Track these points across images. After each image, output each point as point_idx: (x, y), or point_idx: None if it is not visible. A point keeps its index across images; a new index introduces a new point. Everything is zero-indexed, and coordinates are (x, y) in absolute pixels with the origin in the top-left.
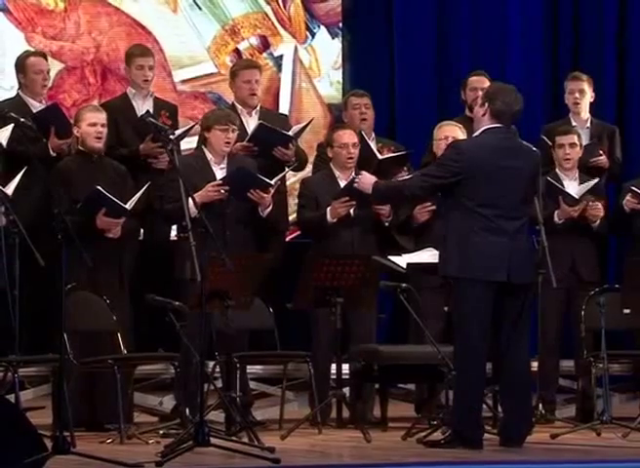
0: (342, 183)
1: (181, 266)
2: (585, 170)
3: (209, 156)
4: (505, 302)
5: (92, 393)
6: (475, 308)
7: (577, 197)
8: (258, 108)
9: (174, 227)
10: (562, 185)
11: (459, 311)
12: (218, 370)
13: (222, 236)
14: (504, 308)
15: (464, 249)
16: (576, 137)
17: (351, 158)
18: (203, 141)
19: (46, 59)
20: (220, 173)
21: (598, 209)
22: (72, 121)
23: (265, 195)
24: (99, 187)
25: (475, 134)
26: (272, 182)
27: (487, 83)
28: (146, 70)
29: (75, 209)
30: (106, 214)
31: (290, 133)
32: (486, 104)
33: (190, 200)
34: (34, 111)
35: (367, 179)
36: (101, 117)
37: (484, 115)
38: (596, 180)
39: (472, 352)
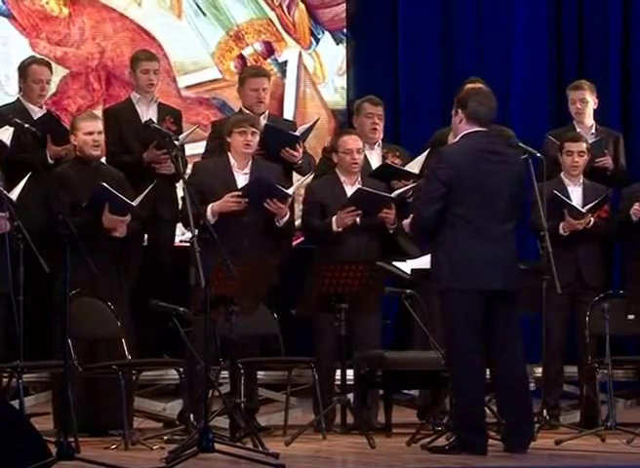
0: (348, 188)
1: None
2: (590, 170)
3: (232, 161)
4: (495, 309)
5: (96, 399)
6: (469, 317)
7: (583, 211)
8: (266, 114)
9: (178, 233)
10: (567, 191)
11: (452, 322)
12: (222, 375)
13: (239, 244)
14: (495, 315)
15: (453, 258)
16: (584, 145)
17: (356, 163)
18: (227, 147)
19: (49, 68)
20: (242, 178)
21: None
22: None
23: (283, 205)
24: (104, 184)
25: (454, 140)
26: (290, 192)
27: None
28: (151, 74)
29: (79, 210)
30: (112, 212)
31: (297, 133)
32: (459, 111)
33: (209, 207)
34: (34, 117)
35: None
36: (97, 125)
37: (460, 122)
38: (605, 195)
39: (467, 360)
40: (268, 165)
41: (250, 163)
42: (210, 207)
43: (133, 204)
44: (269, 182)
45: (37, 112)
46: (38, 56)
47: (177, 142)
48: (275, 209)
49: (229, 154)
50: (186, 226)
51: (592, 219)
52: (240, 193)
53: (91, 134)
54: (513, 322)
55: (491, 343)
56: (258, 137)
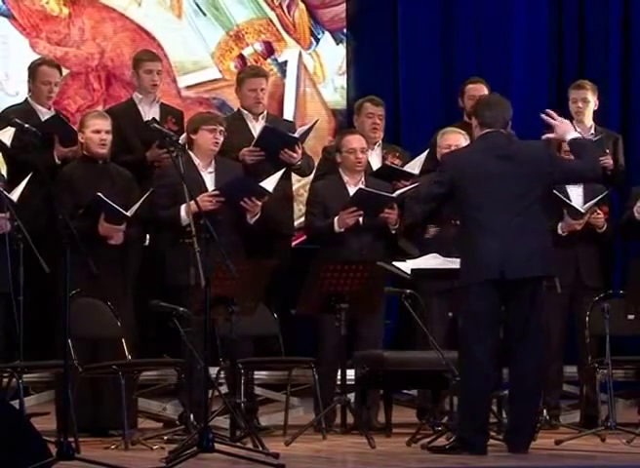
0: (351, 188)
1: (176, 271)
2: None
3: (196, 161)
4: (509, 303)
5: (96, 399)
6: (476, 313)
7: (582, 211)
8: (264, 114)
9: None
10: (566, 191)
11: (462, 317)
12: (222, 375)
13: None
14: (510, 310)
15: (465, 255)
16: None
17: (360, 163)
18: (189, 145)
19: (59, 70)
20: (208, 177)
21: (599, 219)
22: (77, 127)
23: (258, 203)
24: (99, 194)
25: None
26: (270, 190)
27: (485, 90)
28: (155, 75)
29: (78, 215)
30: (107, 221)
31: (295, 134)
32: (473, 118)
33: (183, 207)
34: (42, 118)
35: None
36: (106, 124)
37: (476, 129)
38: (603, 195)
39: (473, 357)
40: (231, 163)
41: (213, 162)
42: (183, 207)
43: (127, 214)
44: (251, 180)
45: (45, 113)
46: (47, 57)
47: (179, 142)
48: (251, 206)
49: (191, 153)
50: (163, 229)
51: (601, 215)
52: (217, 192)
53: (98, 132)
54: (532, 318)
55: (508, 338)
56: (223, 137)
